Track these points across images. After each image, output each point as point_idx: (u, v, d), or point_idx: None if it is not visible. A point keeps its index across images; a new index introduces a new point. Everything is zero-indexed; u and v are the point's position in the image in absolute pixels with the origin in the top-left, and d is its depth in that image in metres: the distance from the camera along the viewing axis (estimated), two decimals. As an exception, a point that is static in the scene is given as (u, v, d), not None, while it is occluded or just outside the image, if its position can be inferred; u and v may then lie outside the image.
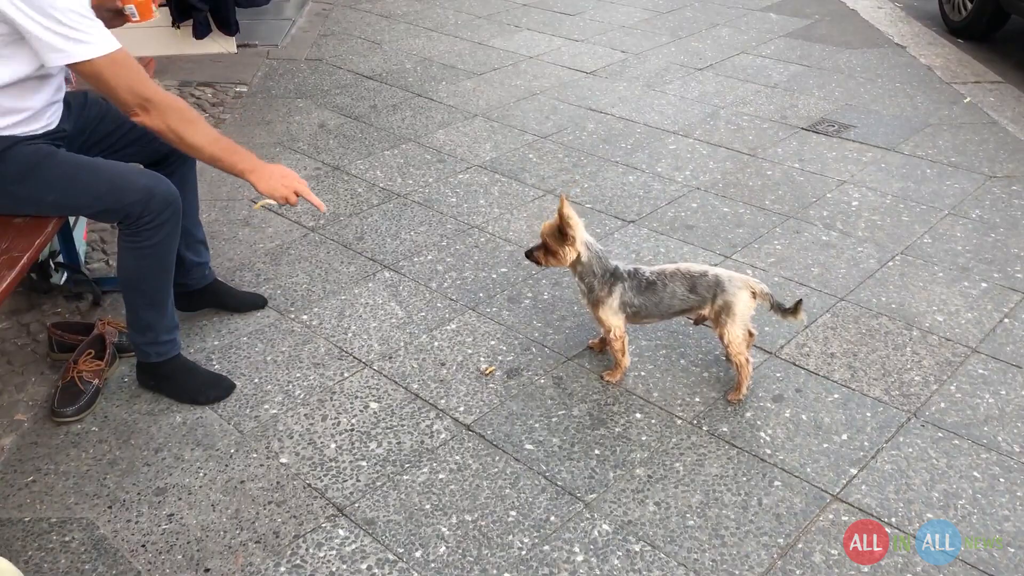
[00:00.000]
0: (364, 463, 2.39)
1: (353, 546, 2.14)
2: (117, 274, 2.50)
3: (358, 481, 2.33)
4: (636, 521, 2.20)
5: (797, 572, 2.06)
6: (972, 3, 5.91)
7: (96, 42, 2.10)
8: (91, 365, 2.61)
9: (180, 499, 2.28)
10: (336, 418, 2.55)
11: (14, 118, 2.26)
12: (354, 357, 2.81)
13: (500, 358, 2.80)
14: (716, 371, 2.72)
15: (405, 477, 2.34)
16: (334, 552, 2.12)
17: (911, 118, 4.62)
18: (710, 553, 2.11)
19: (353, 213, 3.71)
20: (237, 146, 2.40)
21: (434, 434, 2.49)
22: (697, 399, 2.61)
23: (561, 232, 2.52)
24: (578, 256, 2.56)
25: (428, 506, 2.25)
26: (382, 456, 2.41)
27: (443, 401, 2.62)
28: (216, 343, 2.88)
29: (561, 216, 2.49)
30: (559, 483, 2.31)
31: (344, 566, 2.08)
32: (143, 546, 2.14)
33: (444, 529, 2.18)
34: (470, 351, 2.84)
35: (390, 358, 2.81)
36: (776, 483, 2.31)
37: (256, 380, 2.71)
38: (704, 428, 2.50)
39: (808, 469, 2.35)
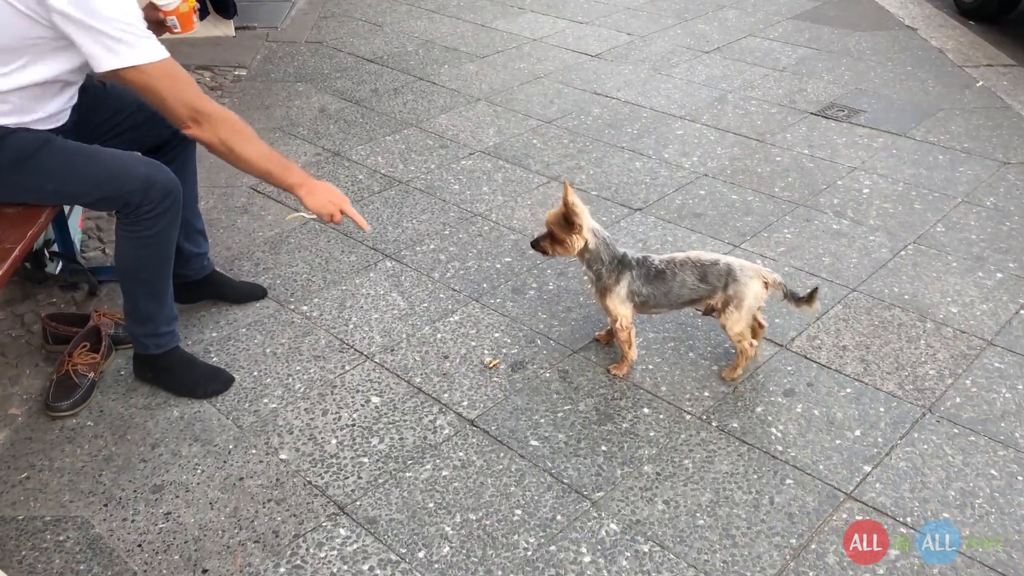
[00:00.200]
0: (366, 459, 2.34)
1: (354, 546, 2.09)
2: (115, 264, 2.44)
3: (359, 478, 2.28)
4: (644, 520, 2.14)
5: (810, 574, 2.00)
6: (984, -16, 5.80)
7: (143, 48, 2.06)
8: (86, 358, 2.55)
9: (177, 497, 2.23)
10: (337, 413, 2.50)
11: (28, 117, 2.21)
12: (355, 349, 2.75)
13: (504, 351, 2.74)
14: (726, 364, 2.66)
15: (408, 474, 2.29)
16: (335, 552, 2.07)
17: (922, 103, 4.53)
18: (721, 554, 2.06)
19: (354, 200, 3.63)
20: (287, 160, 2.38)
21: (437, 430, 2.43)
22: (706, 393, 2.55)
23: (567, 220, 2.45)
24: (585, 244, 2.49)
25: (431, 504, 2.19)
26: (384, 452, 2.36)
27: (446, 395, 2.56)
28: (214, 335, 2.82)
29: (566, 204, 2.42)
30: (565, 481, 2.26)
31: (345, 567, 2.03)
32: (139, 546, 2.09)
33: (448, 528, 2.12)
34: (474, 344, 2.77)
35: (392, 351, 2.75)
36: (788, 481, 2.25)
37: (255, 373, 2.65)
38: (714, 424, 2.44)
39: (821, 466, 2.29)
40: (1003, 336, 2.78)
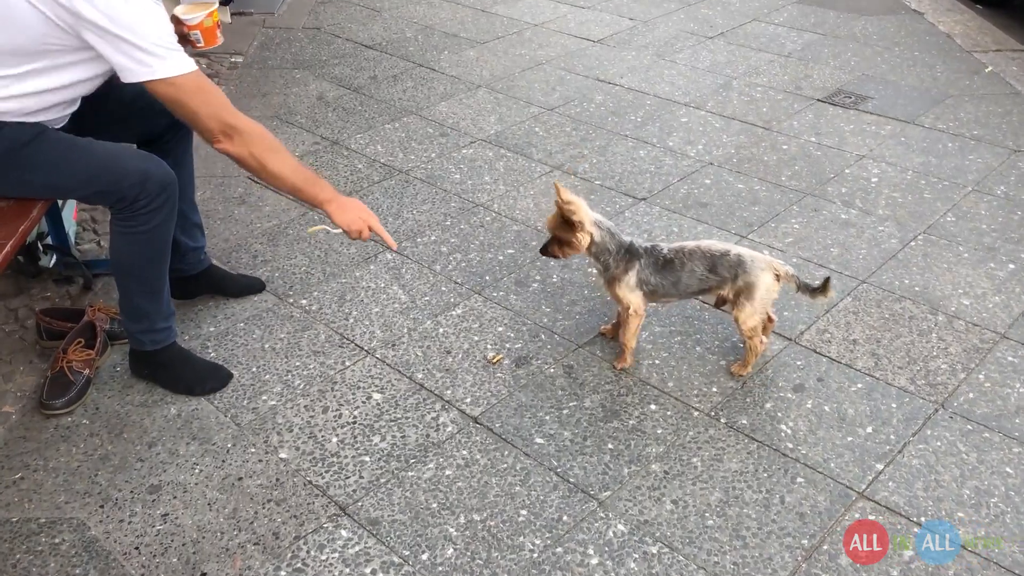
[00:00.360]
0: (367, 458, 2.29)
1: (356, 548, 2.04)
2: (110, 260, 2.38)
3: (361, 478, 2.23)
4: (653, 521, 2.10)
5: (823, 576, 1.96)
6: (992, -33, 5.72)
7: (174, 60, 2.04)
8: (81, 355, 2.50)
9: (175, 497, 2.18)
10: (338, 410, 2.45)
11: (30, 119, 2.16)
12: (356, 344, 2.70)
13: (508, 346, 2.68)
14: (734, 359, 2.60)
15: (410, 473, 2.24)
16: (336, 555, 2.02)
17: (930, 89, 4.46)
18: (731, 555, 2.01)
19: (353, 190, 3.57)
20: (316, 176, 2.35)
21: (440, 427, 2.38)
22: (714, 389, 2.50)
23: (566, 220, 2.40)
24: (591, 237, 2.43)
25: (435, 505, 2.14)
26: (386, 451, 2.31)
27: (449, 392, 2.50)
28: (212, 329, 2.77)
29: (561, 205, 2.37)
30: (571, 480, 2.21)
31: (347, 569, 1.99)
32: (136, 548, 2.04)
33: (452, 530, 2.08)
34: (476, 338, 2.72)
35: (393, 345, 2.69)
36: (799, 479, 2.21)
37: (254, 369, 2.60)
38: (722, 420, 2.39)
39: (832, 464, 2.25)
40: (1016, 329, 2.73)
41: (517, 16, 5.59)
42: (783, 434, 2.34)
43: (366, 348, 2.68)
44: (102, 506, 2.15)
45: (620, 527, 2.08)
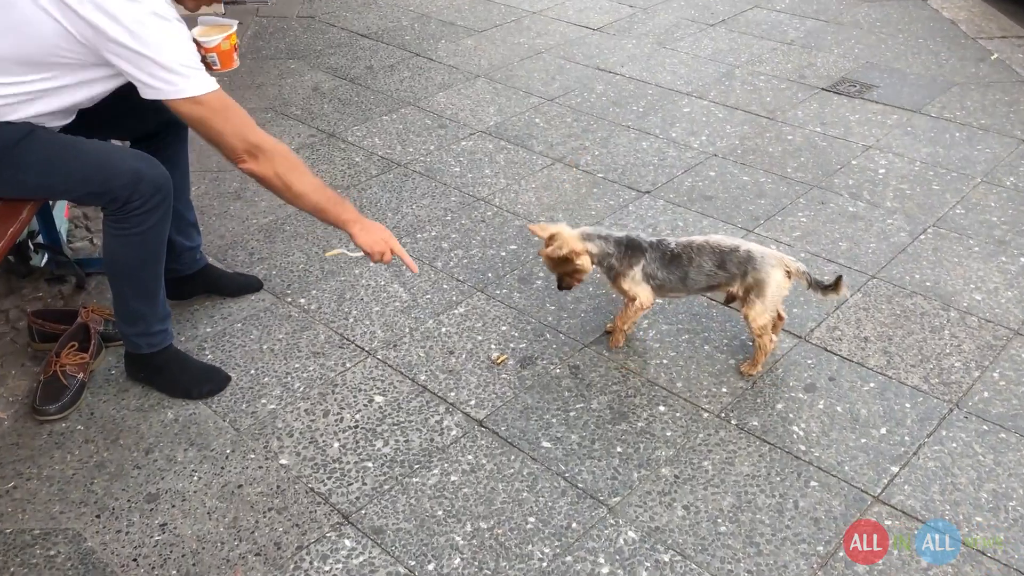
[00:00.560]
0: (370, 464, 2.23)
1: (361, 558, 1.98)
2: (103, 262, 2.31)
3: (364, 484, 2.17)
4: (664, 527, 2.04)
5: (839, 584, 1.92)
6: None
7: (198, 79, 2.01)
8: (75, 358, 2.43)
9: (173, 506, 2.12)
10: (339, 414, 2.39)
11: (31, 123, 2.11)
12: (356, 345, 2.64)
13: (512, 345, 2.63)
14: (743, 358, 2.55)
15: (415, 480, 2.18)
16: (340, 565, 1.97)
17: (936, 77, 4.39)
18: (745, 563, 1.96)
19: (351, 185, 3.50)
20: (339, 195, 2.30)
21: (444, 431, 2.33)
22: (724, 389, 2.45)
23: (559, 258, 2.41)
24: (590, 255, 2.44)
25: (440, 512, 2.09)
26: (389, 456, 2.25)
27: (453, 394, 2.45)
28: (208, 330, 2.70)
29: (547, 243, 2.42)
30: (580, 485, 2.16)
31: (351, 581, 1.94)
32: (135, 560, 1.99)
33: (458, 538, 2.02)
34: (480, 338, 2.66)
35: (395, 346, 2.63)
36: (812, 483, 2.15)
37: (252, 371, 2.54)
38: (733, 422, 2.34)
39: (846, 467, 2.20)
40: (1030, 325, 2.68)
41: (515, 3, 5.49)
42: (795, 436, 2.29)
43: (367, 349, 2.62)
44: (98, 516, 2.09)
45: (631, 534, 2.03)
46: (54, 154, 2.11)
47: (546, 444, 2.28)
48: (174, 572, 1.96)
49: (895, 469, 2.19)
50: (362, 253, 2.31)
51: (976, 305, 2.76)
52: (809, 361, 2.55)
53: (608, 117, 4.03)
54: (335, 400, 2.43)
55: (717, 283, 2.45)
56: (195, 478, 2.19)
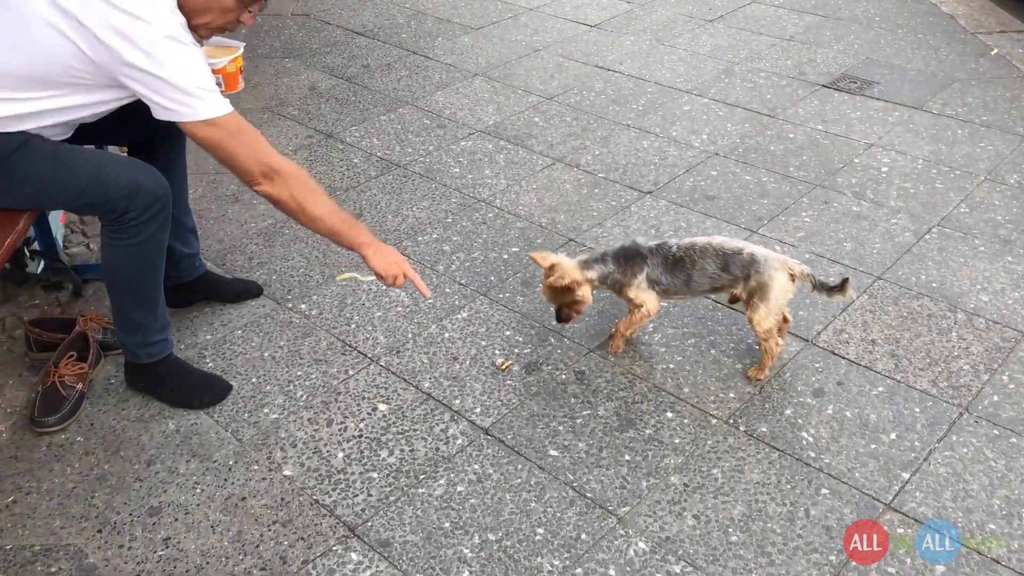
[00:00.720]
0: (375, 474, 2.20)
1: (368, 572, 1.95)
2: (101, 272, 2.28)
3: (370, 496, 2.14)
4: (674, 538, 2.02)
5: (853, 595, 1.90)
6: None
7: (214, 101, 2.00)
8: (74, 368, 2.39)
9: (176, 520, 2.09)
10: (343, 423, 2.36)
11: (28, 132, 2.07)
12: (359, 351, 2.60)
13: (516, 351, 2.60)
14: (750, 362, 2.53)
15: (421, 490, 2.15)
16: (347, 580, 1.94)
17: (936, 72, 4.37)
18: (757, 573, 1.94)
19: (350, 187, 3.46)
20: (354, 218, 2.31)
21: (450, 440, 2.30)
22: (732, 395, 2.42)
23: (561, 288, 2.39)
24: (591, 283, 2.44)
25: (447, 524, 2.06)
26: (394, 466, 2.22)
27: (457, 401, 2.42)
28: (208, 337, 2.67)
29: (549, 277, 2.40)
30: (588, 495, 2.13)
31: (359, 595, 1.91)
32: (138, 576, 1.96)
33: (466, 551, 2.00)
34: (484, 343, 2.63)
35: (398, 352, 2.60)
36: (823, 491, 2.13)
37: (254, 380, 2.50)
38: (741, 428, 2.32)
39: (856, 474, 2.17)
40: (1037, 326, 2.66)
41: (511, 0, 5.45)
42: (805, 442, 2.27)
43: (369, 355, 2.59)
44: (100, 531, 2.06)
45: (641, 545, 2.00)
46: (50, 164, 2.07)
47: (553, 452, 2.25)
48: (178, 588, 1.93)
49: (906, 475, 2.17)
50: (373, 277, 2.29)
51: (983, 306, 2.74)
52: (817, 365, 2.53)
53: (608, 116, 4.00)
54: (338, 409, 2.40)
55: (721, 285, 2.43)
56: (198, 490, 2.16)
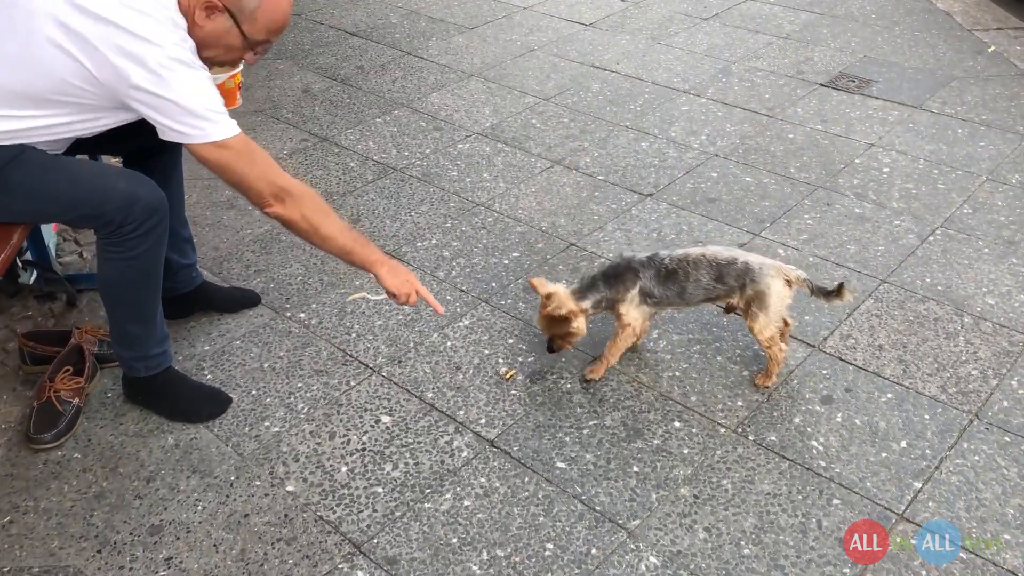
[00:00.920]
0: (380, 489, 2.16)
1: (375, 591, 1.92)
2: (97, 285, 2.23)
3: (375, 511, 2.10)
4: (686, 552, 1.99)
5: (869, 608, 1.87)
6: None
7: (224, 123, 1.95)
8: (69, 383, 2.34)
9: (178, 538, 2.04)
10: (345, 435, 2.32)
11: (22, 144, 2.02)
12: (360, 362, 2.56)
13: (520, 359, 2.56)
14: (757, 369, 2.50)
15: (427, 505, 2.12)
16: (354, 599, 1.90)
17: (934, 71, 4.35)
18: (770, 587, 1.91)
19: (347, 191, 3.41)
20: (365, 237, 2.28)
21: (455, 452, 2.26)
22: (740, 403, 2.40)
23: (557, 317, 2.34)
24: (586, 313, 2.39)
25: (455, 540, 2.03)
26: (399, 480, 2.18)
27: (462, 412, 2.38)
28: (207, 348, 2.62)
29: (544, 303, 2.36)
30: (597, 508, 2.10)
31: (367, 615, 1.87)
32: (139, 598, 1.91)
33: (475, 568, 1.96)
34: (487, 351, 2.59)
35: (399, 362, 2.56)
36: (835, 501, 2.11)
37: (254, 392, 2.46)
38: (750, 437, 2.29)
39: (868, 484, 2.15)
40: (1044, 329, 2.64)
41: (505, -2, 5.40)
42: (815, 451, 2.24)
43: (371, 366, 2.55)
44: (100, 551, 2.01)
45: (652, 559, 1.97)
46: (45, 177, 2.01)
47: (560, 465, 2.22)
48: (181, 610, 1.89)
49: (918, 485, 2.15)
50: (384, 296, 2.25)
51: (989, 309, 2.72)
52: (824, 371, 2.50)
53: (605, 117, 3.96)
54: (341, 421, 2.36)
55: (716, 296, 2.40)
56: (199, 508, 2.12)
